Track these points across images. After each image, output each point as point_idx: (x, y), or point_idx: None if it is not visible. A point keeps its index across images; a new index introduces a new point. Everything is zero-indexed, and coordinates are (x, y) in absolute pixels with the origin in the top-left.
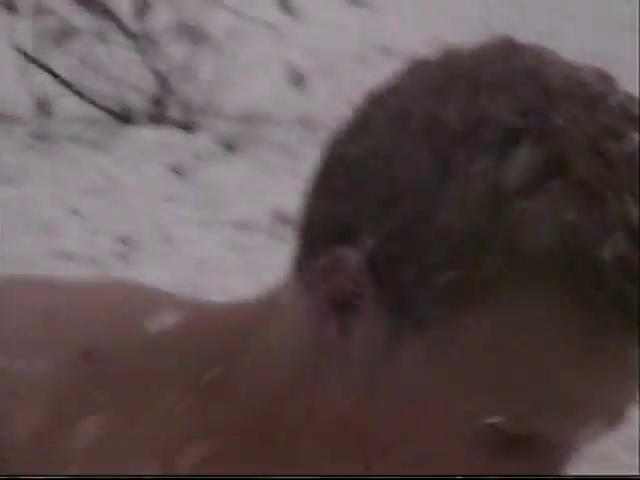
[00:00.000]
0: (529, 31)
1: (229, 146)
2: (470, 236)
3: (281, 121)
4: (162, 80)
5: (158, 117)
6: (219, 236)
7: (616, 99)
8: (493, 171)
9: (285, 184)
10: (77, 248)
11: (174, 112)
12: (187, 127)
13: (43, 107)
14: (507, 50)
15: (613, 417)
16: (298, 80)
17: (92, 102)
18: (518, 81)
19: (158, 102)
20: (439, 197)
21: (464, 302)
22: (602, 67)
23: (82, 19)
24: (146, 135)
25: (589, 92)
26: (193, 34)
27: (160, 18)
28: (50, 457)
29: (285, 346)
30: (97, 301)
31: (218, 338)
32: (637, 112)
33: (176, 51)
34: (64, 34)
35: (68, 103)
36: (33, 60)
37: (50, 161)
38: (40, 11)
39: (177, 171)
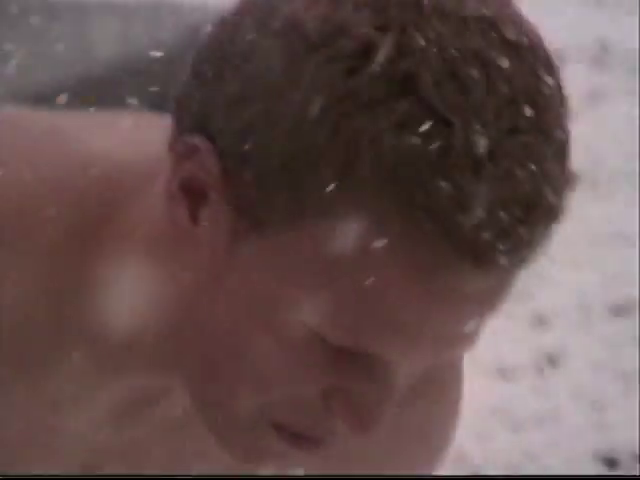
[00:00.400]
0: None
1: None
2: (309, 147)
3: None
4: None
5: None
6: None
7: (496, 23)
8: (340, 84)
9: None
10: None
11: None
12: None
13: None
14: None
15: (444, 343)
16: None
17: None
18: None
19: None
20: (287, 103)
21: (299, 212)
22: None
23: None
24: None
25: (467, 13)
26: None
27: None
28: None
29: (149, 220)
30: None
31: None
32: (516, 38)
33: None
34: None
35: None
36: None
37: None
38: None
39: None
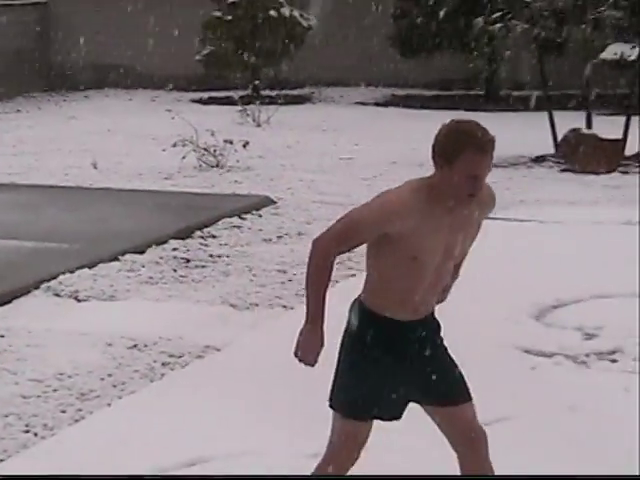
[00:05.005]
0: None
1: None
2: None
3: None
4: None
5: None
6: None
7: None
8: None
9: None
10: None
11: None
12: None
13: None
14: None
15: (486, 173)
16: None
17: None
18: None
19: None
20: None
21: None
22: None
23: None
24: None
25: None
26: None
27: None
28: None
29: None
30: None
31: None
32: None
33: None
34: None
35: None
36: None
37: None
38: None
39: None
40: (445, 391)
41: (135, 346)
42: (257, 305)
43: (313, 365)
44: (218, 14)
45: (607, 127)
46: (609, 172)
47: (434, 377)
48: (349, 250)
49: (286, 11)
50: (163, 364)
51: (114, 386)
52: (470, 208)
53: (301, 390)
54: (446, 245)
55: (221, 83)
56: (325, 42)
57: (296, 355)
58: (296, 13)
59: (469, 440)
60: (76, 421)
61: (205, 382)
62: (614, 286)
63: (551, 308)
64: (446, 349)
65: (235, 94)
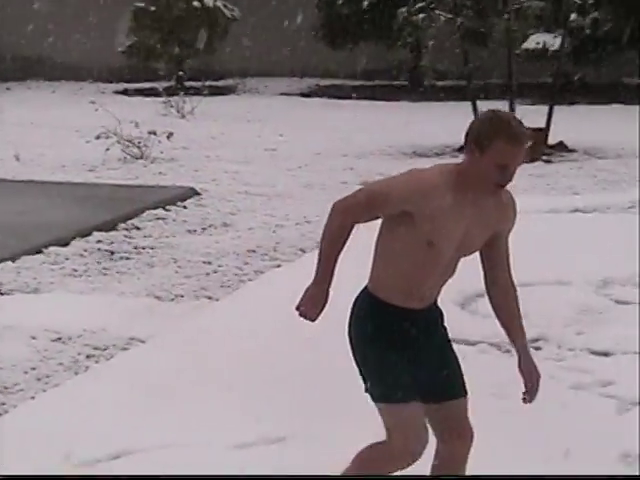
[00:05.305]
0: None
1: None
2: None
3: None
4: None
5: None
6: None
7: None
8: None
9: None
10: None
11: None
12: None
13: None
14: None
15: (519, 162)
16: None
17: None
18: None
19: None
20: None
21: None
22: None
23: None
24: None
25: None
26: None
27: None
28: None
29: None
30: None
31: None
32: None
33: None
34: None
35: None
36: None
37: None
38: None
39: None
40: (445, 385)
41: (59, 339)
42: (182, 296)
43: (314, 320)
44: (141, 5)
45: (530, 116)
46: (532, 161)
47: (436, 370)
48: (366, 221)
49: (209, 2)
50: (87, 357)
51: (38, 379)
52: (490, 206)
53: (228, 381)
54: (462, 237)
55: (145, 74)
56: (249, 33)
57: (298, 309)
58: (219, 3)
59: (458, 435)
60: None
61: (130, 374)
62: (537, 274)
63: (475, 297)
64: (449, 341)
65: (159, 85)
